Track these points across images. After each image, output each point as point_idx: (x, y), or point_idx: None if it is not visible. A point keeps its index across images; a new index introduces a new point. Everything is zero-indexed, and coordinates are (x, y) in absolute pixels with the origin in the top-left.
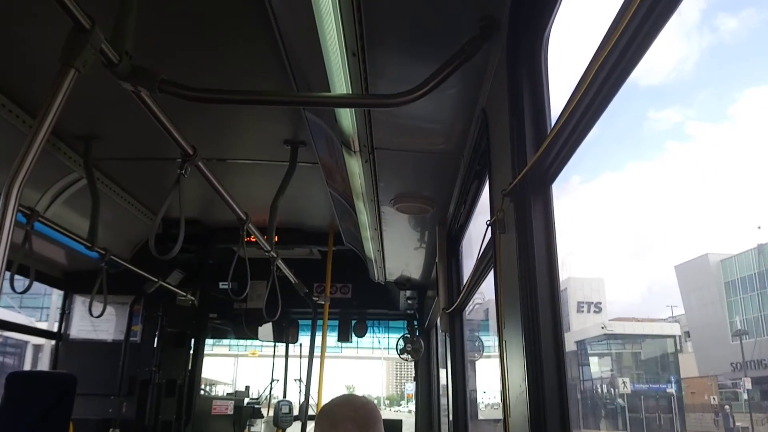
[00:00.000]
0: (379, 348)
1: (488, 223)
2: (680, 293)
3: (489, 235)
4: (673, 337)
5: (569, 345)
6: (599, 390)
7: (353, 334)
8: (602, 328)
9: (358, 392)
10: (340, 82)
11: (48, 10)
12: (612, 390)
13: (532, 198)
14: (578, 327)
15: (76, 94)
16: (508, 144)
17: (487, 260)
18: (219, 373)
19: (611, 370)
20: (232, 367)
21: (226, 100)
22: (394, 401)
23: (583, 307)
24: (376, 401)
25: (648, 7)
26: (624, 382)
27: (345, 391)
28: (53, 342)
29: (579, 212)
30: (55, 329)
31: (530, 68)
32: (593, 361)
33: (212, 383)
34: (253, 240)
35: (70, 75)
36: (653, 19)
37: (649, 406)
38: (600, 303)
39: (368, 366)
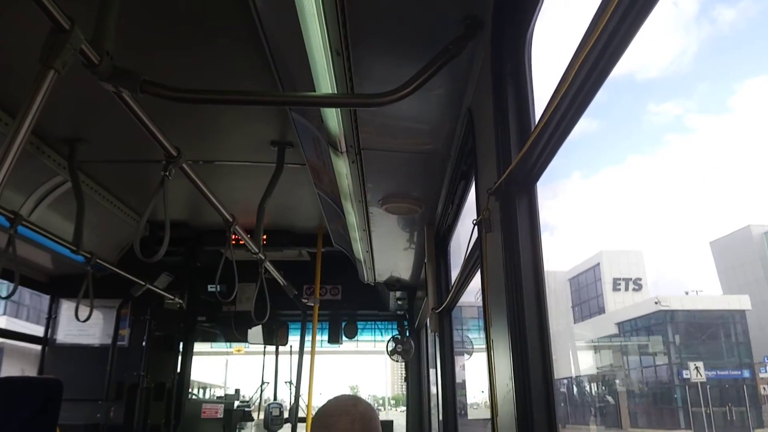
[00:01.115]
0: (382, 341)
1: (475, 222)
2: (717, 272)
3: (476, 234)
4: (742, 311)
5: (607, 329)
6: (654, 380)
7: (343, 336)
8: (656, 303)
9: (362, 393)
10: (325, 82)
11: (27, 9)
12: (674, 379)
13: (517, 197)
14: (616, 307)
15: (59, 96)
16: (493, 143)
17: (474, 259)
18: (208, 374)
19: (668, 355)
20: (221, 367)
21: (210, 101)
22: (400, 401)
23: (620, 284)
24: (381, 401)
25: (627, 4)
26: (697, 368)
27: (348, 393)
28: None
29: (580, 205)
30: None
31: (514, 67)
32: (644, 345)
33: (203, 386)
34: (242, 242)
35: (50, 76)
36: (632, 15)
37: (715, 397)
38: (640, 279)
39: (371, 361)
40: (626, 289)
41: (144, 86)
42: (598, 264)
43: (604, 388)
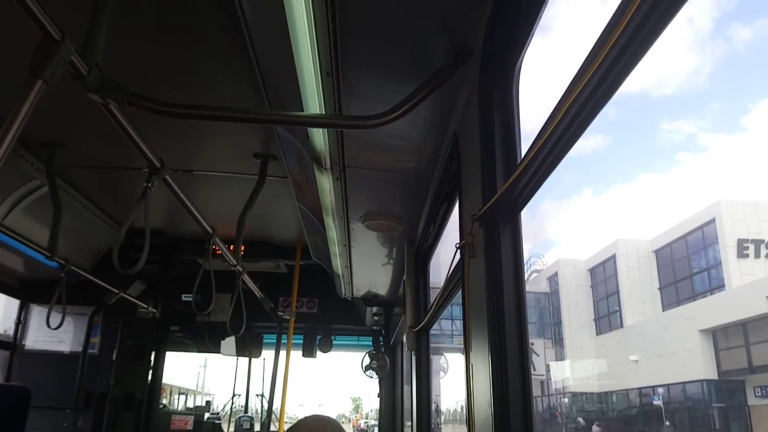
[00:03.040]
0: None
1: (458, 246)
2: None
3: (458, 257)
4: None
5: (737, 311)
6: None
7: (318, 350)
8: None
9: (365, 407)
10: (314, 101)
11: (17, 18)
12: None
13: (502, 225)
14: (743, 280)
15: (42, 101)
16: (478, 170)
17: (455, 282)
18: (182, 374)
19: None
20: (196, 366)
21: (197, 116)
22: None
23: (747, 247)
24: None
25: (623, 44)
26: None
27: (349, 405)
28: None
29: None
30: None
31: (502, 97)
32: None
33: (184, 392)
34: (219, 252)
35: (38, 86)
36: (628, 54)
37: None
38: None
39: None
40: (756, 255)
41: (132, 99)
42: (713, 221)
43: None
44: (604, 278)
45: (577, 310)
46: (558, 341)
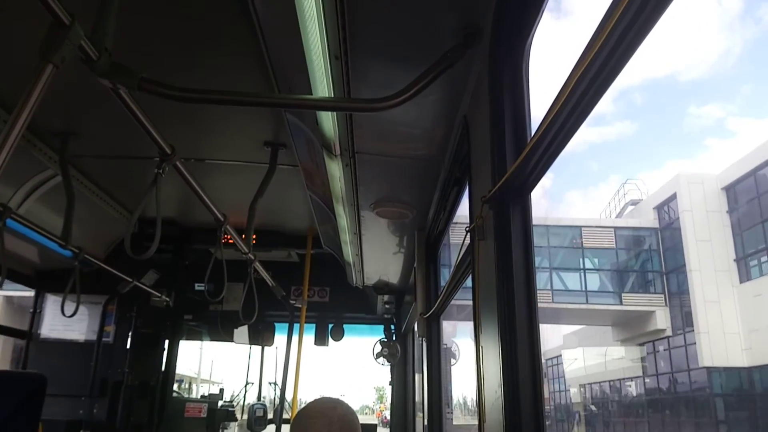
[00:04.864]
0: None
1: (467, 229)
2: None
3: (468, 241)
4: None
5: None
6: None
7: (330, 338)
8: None
9: (390, 397)
10: (322, 85)
11: (26, 3)
12: None
13: (511, 206)
14: None
15: (53, 90)
16: (488, 151)
17: (465, 266)
18: (190, 360)
19: None
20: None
21: (206, 100)
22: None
23: None
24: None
25: (630, 18)
26: None
27: (373, 395)
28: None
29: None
30: None
31: (512, 77)
32: None
33: (180, 379)
34: (231, 241)
35: (48, 70)
36: (636, 29)
37: None
38: None
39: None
40: None
41: (142, 83)
42: None
43: None
44: (756, 194)
45: (709, 246)
46: (677, 295)
